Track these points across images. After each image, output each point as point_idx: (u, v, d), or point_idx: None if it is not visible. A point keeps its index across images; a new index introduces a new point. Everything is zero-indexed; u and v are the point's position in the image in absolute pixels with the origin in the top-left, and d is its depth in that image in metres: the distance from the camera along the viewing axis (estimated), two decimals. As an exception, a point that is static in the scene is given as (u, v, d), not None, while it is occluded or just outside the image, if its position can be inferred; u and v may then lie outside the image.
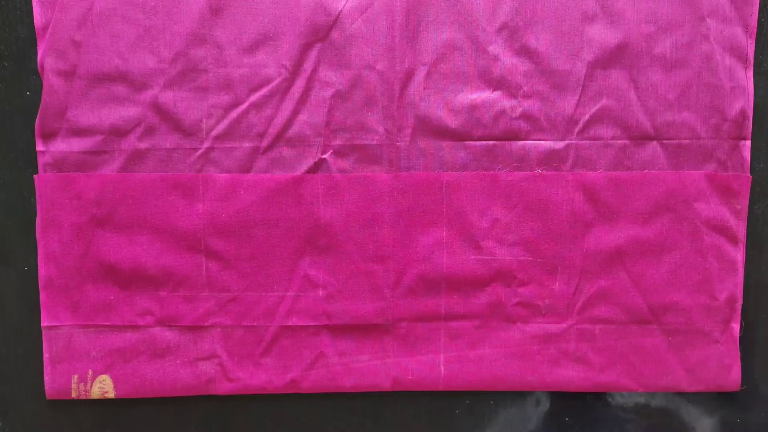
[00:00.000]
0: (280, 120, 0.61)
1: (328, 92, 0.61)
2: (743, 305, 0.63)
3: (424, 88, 0.61)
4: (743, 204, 0.62)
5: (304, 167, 0.61)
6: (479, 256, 0.62)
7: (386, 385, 0.63)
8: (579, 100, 0.61)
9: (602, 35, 0.60)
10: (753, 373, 0.64)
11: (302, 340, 0.63)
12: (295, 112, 0.61)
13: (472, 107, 0.61)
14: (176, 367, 0.63)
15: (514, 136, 0.61)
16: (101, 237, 0.61)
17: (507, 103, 0.61)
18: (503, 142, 0.62)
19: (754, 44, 0.61)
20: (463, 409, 0.65)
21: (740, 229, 0.63)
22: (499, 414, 0.65)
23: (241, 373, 0.63)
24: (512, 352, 0.63)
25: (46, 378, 0.62)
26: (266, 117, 0.61)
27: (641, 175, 0.62)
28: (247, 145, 0.61)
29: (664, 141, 0.62)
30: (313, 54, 0.60)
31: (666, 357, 0.63)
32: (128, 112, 0.60)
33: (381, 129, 0.61)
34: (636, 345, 0.63)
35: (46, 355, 0.62)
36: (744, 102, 0.61)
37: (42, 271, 0.62)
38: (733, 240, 0.62)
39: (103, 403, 0.64)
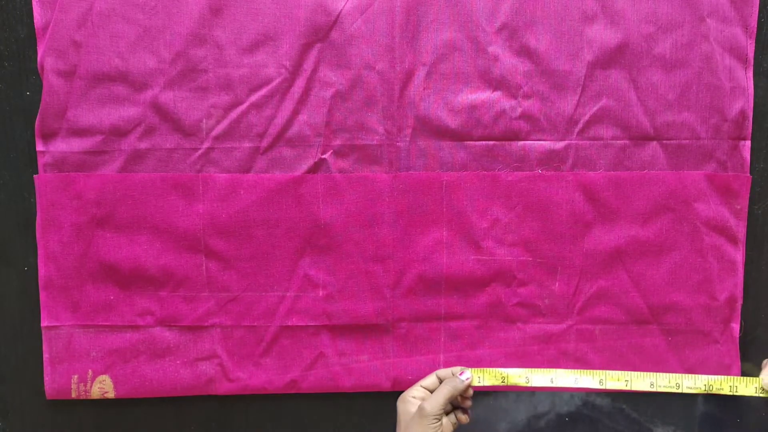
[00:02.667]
0: (280, 120, 0.61)
1: (328, 92, 0.61)
2: (743, 305, 0.63)
3: (424, 88, 0.61)
4: (743, 204, 0.62)
5: (304, 167, 0.61)
6: (479, 256, 0.62)
7: (386, 385, 0.63)
8: (579, 100, 0.61)
9: (602, 35, 0.60)
10: (753, 373, 0.64)
11: (302, 340, 0.63)
12: (295, 112, 0.61)
13: (472, 107, 0.61)
14: (176, 367, 0.63)
15: (514, 136, 0.61)
16: (101, 237, 0.61)
17: (507, 103, 0.61)
18: (503, 142, 0.62)
19: (754, 44, 0.61)
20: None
21: (740, 229, 0.63)
22: (498, 414, 0.65)
23: (241, 373, 0.63)
24: (512, 352, 0.63)
25: (46, 378, 0.62)
26: (266, 117, 0.61)
27: (641, 175, 0.62)
28: (247, 145, 0.61)
29: (664, 141, 0.62)
30: (313, 54, 0.60)
31: (666, 357, 0.63)
32: (128, 112, 0.60)
33: (381, 129, 0.61)
34: (636, 345, 0.63)
35: (46, 355, 0.62)
36: (744, 102, 0.61)
37: (42, 271, 0.62)
38: (733, 240, 0.62)
39: (103, 403, 0.64)
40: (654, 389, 0.58)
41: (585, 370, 0.59)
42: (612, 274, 0.62)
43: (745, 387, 0.57)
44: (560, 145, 0.61)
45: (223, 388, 0.63)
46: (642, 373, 0.58)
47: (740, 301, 0.63)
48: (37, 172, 0.61)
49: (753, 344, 0.64)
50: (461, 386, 0.55)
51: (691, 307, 0.63)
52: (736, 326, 0.63)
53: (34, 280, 0.62)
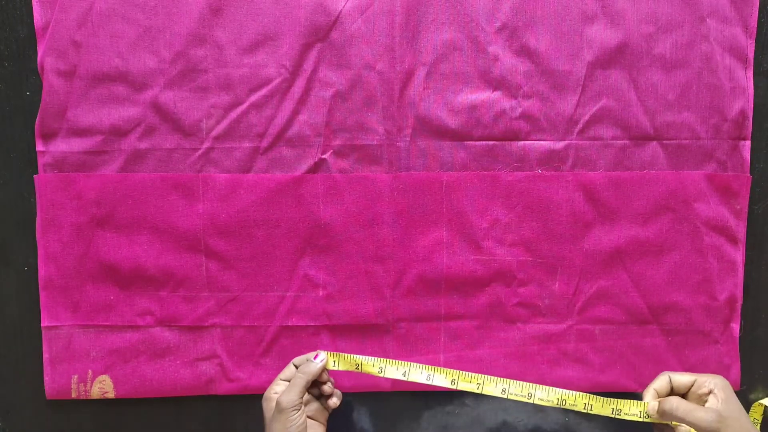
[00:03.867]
0: (280, 120, 0.61)
1: (328, 92, 0.61)
2: (743, 305, 0.63)
3: (424, 88, 0.61)
4: (743, 204, 0.62)
5: (304, 167, 0.61)
6: (479, 256, 0.62)
7: (386, 385, 0.63)
8: (579, 100, 0.61)
9: (602, 35, 0.60)
10: (753, 373, 0.64)
11: (302, 340, 0.63)
12: (295, 112, 0.61)
13: (472, 107, 0.61)
14: (176, 367, 0.63)
15: (514, 136, 0.61)
16: (101, 237, 0.61)
17: (507, 103, 0.61)
18: (503, 142, 0.62)
19: (754, 44, 0.61)
20: (463, 409, 0.65)
21: (740, 229, 0.63)
22: (498, 414, 0.65)
23: (241, 373, 0.63)
24: (512, 352, 0.63)
25: (46, 378, 0.62)
26: (266, 117, 0.61)
27: (641, 175, 0.62)
28: (247, 145, 0.61)
29: (664, 141, 0.62)
30: (313, 54, 0.60)
31: (666, 357, 0.63)
32: (128, 112, 0.60)
33: (381, 129, 0.61)
34: (636, 345, 0.63)
35: (46, 355, 0.62)
36: (744, 102, 0.61)
37: (42, 271, 0.62)
38: (733, 240, 0.62)
39: (103, 403, 0.64)
40: (505, 396, 0.56)
41: (439, 368, 0.57)
42: (612, 274, 0.62)
43: (601, 407, 0.55)
44: (560, 145, 0.61)
45: (223, 388, 0.63)
46: (495, 377, 0.57)
47: (740, 301, 0.63)
48: (37, 172, 0.61)
49: (753, 344, 0.64)
50: (314, 369, 0.54)
51: (691, 307, 0.63)
52: (736, 326, 0.63)
53: (34, 280, 0.62)
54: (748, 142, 0.62)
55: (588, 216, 0.62)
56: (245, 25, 0.60)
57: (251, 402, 0.64)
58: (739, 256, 0.63)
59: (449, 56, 0.61)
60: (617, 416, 0.55)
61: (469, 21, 0.60)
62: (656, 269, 0.62)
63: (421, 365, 0.57)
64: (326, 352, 0.56)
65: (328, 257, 0.62)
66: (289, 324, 0.63)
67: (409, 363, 0.57)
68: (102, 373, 0.62)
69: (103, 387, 0.62)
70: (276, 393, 0.54)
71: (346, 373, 0.63)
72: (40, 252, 0.61)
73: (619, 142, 0.62)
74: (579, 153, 0.62)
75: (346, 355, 0.57)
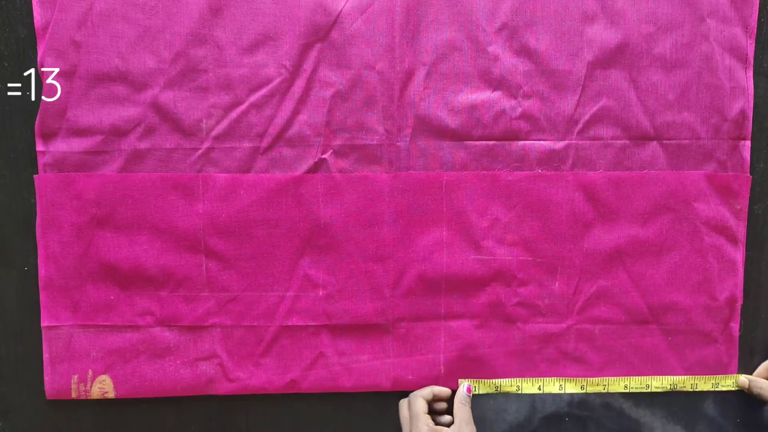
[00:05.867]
0: (280, 120, 0.61)
1: (328, 92, 0.61)
2: (743, 305, 0.63)
3: (424, 88, 0.61)
4: (743, 204, 0.62)
5: (304, 167, 0.61)
6: (479, 256, 0.62)
7: (386, 385, 0.63)
8: (579, 100, 0.61)
9: (602, 35, 0.60)
10: (752, 373, 0.64)
11: (302, 340, 0.63)
12: (295, 112, 0.61)
13: (472, 107, 0.61)
14: (176, 367, 0.63)
15: (514, 136, 0.61)
16: (101, 237, 0.61)
17: (507, 103, 0.61)
18: (503, 142, 0.62)
19: (754, 44, 0.61)
20: (463, 409, 0.65)
21: (740, 229, 0.63)
22: (499, 414, 0.65)
23: (241, 373, 0.63)
24: (512, 352, 0.63)
25: (46, 378, 0.62)
26: (266, 117, 0.61)
27: (641, 175, 0.62)
28: (247, 145, 0.61)
29: (664, 141, 0.62)
30: (313, 54, 0.60)
31: (666, 357, 0.63)
32: (128, 112, 0.60)
33: (381, 129, 0.61)
34: (635, 345, 0.63)
35: (46, 356, 0.62)
36: (744, 102, 0.61)
37: (42, 271, 0.62)
38: (733, 240, 0.62)
39: (103, 403, 0.64)
40: (628, 390, 0.63)
41: (569, 378, 0.63)
42: (612, 274, 0.62)
43: (704, 384, 0.63)
44: (560, 144, 0.61)
45: (223, 388, 0.63)
46: (620, 377, 0.63)
47: (740, 301, 0.63)
48: (37, 172, 0.61)
49: (753, 344, 0.64)
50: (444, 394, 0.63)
51: (691, 307, 0.63)
52: (735, 326, 0.63)
53: (34, 280, 0.62)
54: (748, 142, 0.62)
55: (588, 216, 0.62)
56: (245, 25, 0.60)
57: (251, 402, 0.64)
58: (739, 256, 0.63)
59: (449, 56, 0.61)
60: (716, 388, 0.63)
61: (469, 21, 0.60)
62: (656, 269, 0.62)
63: (554, 379, 0.63)
64: (468, 382, 0.62)
65: (328, 257, 0.62)
66: (289, 324, 0.63)
67: (542, 379, 0.63)
68: (102, 373, 0.62)
69: (103, 387, 0.62)
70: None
71: (346, 373, 0.63)
72: (40, 252, 0.61)
73: (619, 142, 0.62)
74: (579, 153, 0.62)
75: (486, 380, 0.63)
